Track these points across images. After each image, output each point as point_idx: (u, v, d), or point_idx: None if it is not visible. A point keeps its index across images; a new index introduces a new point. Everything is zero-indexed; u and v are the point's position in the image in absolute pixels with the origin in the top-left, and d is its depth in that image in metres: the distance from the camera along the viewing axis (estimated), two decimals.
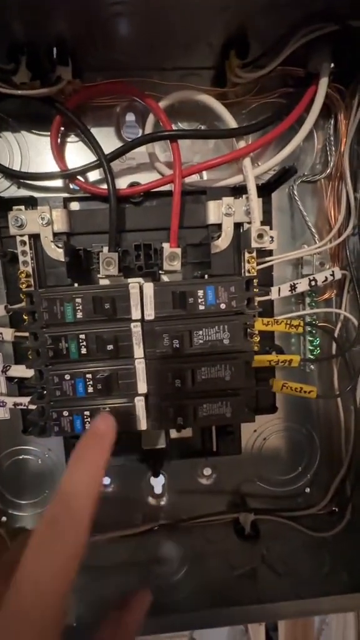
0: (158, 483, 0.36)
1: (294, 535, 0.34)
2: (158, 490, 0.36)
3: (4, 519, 0.35)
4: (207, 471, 0.36)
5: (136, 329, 0.24)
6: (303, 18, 0.26)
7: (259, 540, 0.34)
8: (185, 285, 0.24)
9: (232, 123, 0.28)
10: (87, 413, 0.24)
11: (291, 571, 0.31)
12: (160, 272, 0.30)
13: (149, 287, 0.24)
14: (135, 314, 0.24)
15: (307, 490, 0.37)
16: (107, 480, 0.36)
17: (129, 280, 0.31)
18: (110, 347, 0.23)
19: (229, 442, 0.33)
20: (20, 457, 0.35)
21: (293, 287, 0.30)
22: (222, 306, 0.24)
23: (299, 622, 0.71)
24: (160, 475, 0.36)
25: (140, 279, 0.31)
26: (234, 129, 0.28)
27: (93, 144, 0.28)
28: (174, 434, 0.33)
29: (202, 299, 0.24)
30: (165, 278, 0.30)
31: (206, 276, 0.30)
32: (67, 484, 0.16)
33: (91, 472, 0.16)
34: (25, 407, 0.29)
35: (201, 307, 0.24)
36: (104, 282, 0.30)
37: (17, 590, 0.14)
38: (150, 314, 0.24)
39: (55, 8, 0.24)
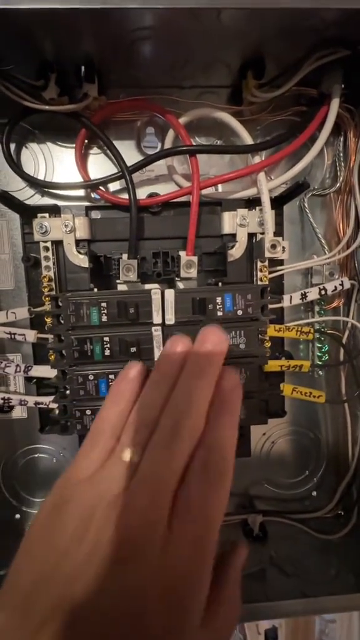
0: None
1: (301, 538, 0.35)
2: None
3: (17, 516, 0.36)
4: None
5: (157, 332, 0.25)
6: (317, 43, 0.28)
7: (267, 541, 0.35)
8: (205, 292, 0.25)
9: (248, 139, 0.30)
10: None
11: (299, 572, 0.31)
12: (176, 279, 0.31)
13: (170, 293, 0.25)
14: (157, 318, 0.25)
15: (314, 493, 0.38)
16: None
17: (146, 286, 0.32)
18: (133, 349, 0.24)
19: (240, 444, 0.34)
20: (36, 455, 0.36)
21: (304, 296, 0.31)
22: (239, 312, 0.25)
23: (299, 632, 0.71)
24: None
25: (156, 285, 0.32)
26: (250, 145, 0.30)
27: (116, 157, 0.30)
28: None
29: (221, 306, 0.25)
30: (180, 285, 0.32)
31: (220, 284, 0.31)
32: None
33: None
34: (45, 407, 0.30)
35: (219, 313, 0.25)
36: (122, 287, 0.32)
37: None
38: (170, 319, 0.25)
39: (85, 32, 0.26)
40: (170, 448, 0.15)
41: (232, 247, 0.31)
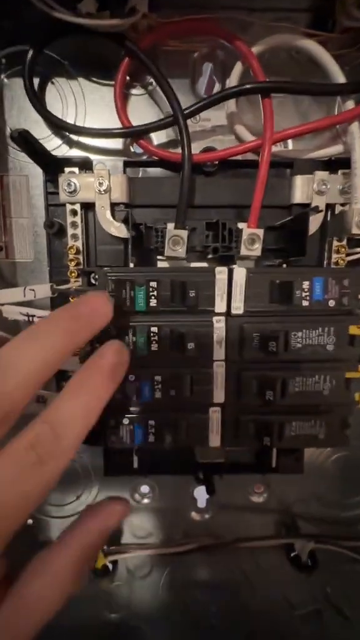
0: (202, 497, 0.32)
1: (355, 568, 0.30)
2: (202, 504, 0.32)
3: (30, 522, 0.32)
4: (259, 488, 0.32)
5: (219, 324, 0.19)
6: None
7: (316, 571, 0.30)
8: (288, 274, 0.19)
9: (340, 77, 0.23)
10: (151, 423, 0.20)
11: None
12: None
13: (240, 273, 0.19)
14: (220, 306, 0.19)
15: None
16: (146, 489, 0.32)
17: (192, 265, 0.26)
18: (191, 345, 0.18)
19: (293, 460, 0.29)
20: None
21: None
22: (331, 303, 0.19)
23: None
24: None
25: (204, 264, 0.26)
26: (345, 84, 0.23)
27: (169, 95, 0.23)
28: None
29: (308, 293, 0.19)
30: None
31: (284, 266, 0.25)
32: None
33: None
34: None
35: (304, 303, 0.19)
36: (162, 264, 0.26)
37: None
38: (239, 307, 0.19)
39: None
40: None
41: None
